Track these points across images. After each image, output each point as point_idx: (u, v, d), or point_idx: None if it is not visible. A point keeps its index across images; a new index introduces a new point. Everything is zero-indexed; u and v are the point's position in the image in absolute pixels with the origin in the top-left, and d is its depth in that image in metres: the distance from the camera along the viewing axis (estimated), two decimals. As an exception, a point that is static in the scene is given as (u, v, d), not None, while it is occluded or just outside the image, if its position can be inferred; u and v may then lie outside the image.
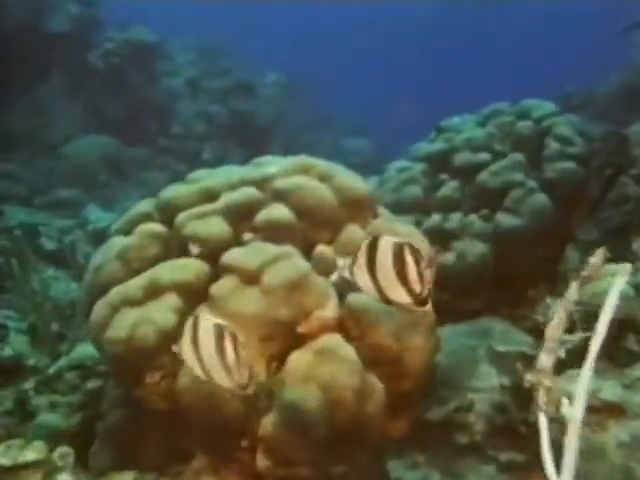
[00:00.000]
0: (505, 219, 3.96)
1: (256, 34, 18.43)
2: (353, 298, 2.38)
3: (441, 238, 3.97)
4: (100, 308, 2.46)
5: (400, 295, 1.52)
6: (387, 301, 1.57)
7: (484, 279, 3.95)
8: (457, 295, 3.93)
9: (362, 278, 1.61)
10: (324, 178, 2.68)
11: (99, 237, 9.75)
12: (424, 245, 2.57)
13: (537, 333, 3.89)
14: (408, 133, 18.97)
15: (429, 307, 1.52)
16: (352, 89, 21.06)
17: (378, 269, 1.55)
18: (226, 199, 2.59)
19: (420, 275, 1.49)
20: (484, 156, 4.13)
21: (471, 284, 3.93)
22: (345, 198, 2.63)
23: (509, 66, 27.56)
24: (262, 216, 2.53)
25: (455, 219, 4.00)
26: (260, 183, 2.67)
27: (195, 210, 2.61)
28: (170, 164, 11.41)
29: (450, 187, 4.12)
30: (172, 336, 2.32)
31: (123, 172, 11.07)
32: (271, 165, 2.77)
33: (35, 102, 11.22)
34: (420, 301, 1.52)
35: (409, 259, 1.49)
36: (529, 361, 4.11)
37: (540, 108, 4.27)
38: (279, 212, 2.53)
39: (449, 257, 3.93)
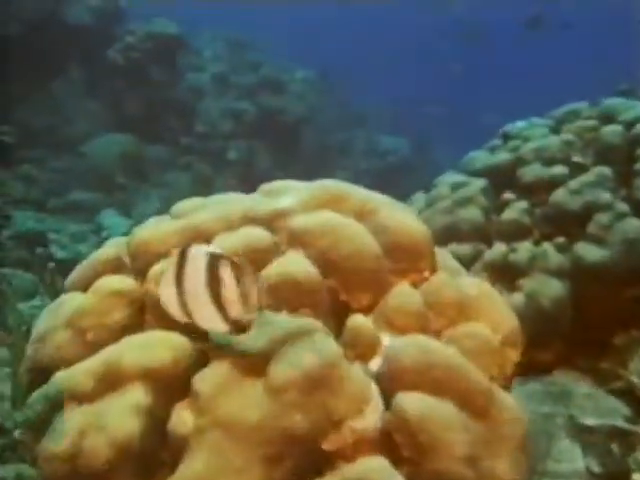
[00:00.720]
0: (588, 250, 3.13)
1: (287, 30, 17.64)
2: (406, 400, 1.59)
3: (506, 274, 3.16)
4: (35, 402, 1.70)
5: (213, 321, 1.26)
6: (195, 330, 1.33)
7: (560, 326, 3.13)
8: (525, 345, 3.10)
9: (168, 299, 1.29)
10: (362, 214, 1.88)
11: (113, 245, 9.17)
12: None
13: (632, 398, 3.06)
14: (442, 133, 18.06)
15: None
16: (384, 87, 20.20)
17: (187, 287, 1.25)
18: (222, 243, 1.81)
19: (241, 295, 1.26)
20: (560, 170, 3.30)
21: (544, 333, 3.11)
22: (393, 244, 1.82)
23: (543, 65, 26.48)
24: (272, 270, 1.75)
25: (524, 250, 3.18)
26: (270, 221, 1.88)
27: (179, 258, 1.83)
28: (193, 164, 10.73)
29: (517, 209, 3.30)
30: (134, 452, 1.57)
31: (143, 173, 10.41)
32: (286, 194, 1.98)
33: (52, 98, 10.61)
34: (240, 329, 1.31)
35: (227, 274, 1.25)
36: (626, 440, 3.04)
37: (631, 109, 3.41)
38: (296, 264, 1.75)
39: (516, 299, 3.11)
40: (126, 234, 2.21)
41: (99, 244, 7.82)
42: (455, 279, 1.83)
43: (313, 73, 12.98)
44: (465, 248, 3.20)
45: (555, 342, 3.14)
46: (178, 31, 10.93)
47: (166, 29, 10.61)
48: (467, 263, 3.23)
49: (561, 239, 3.18)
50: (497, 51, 23.57)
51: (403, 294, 1.74)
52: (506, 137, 3.65)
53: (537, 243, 3.23)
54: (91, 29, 10.58)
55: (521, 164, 3.41)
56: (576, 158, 3.30)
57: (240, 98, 12.00)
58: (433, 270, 1.86)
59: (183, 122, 11.10)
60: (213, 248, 1.31)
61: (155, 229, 1.92)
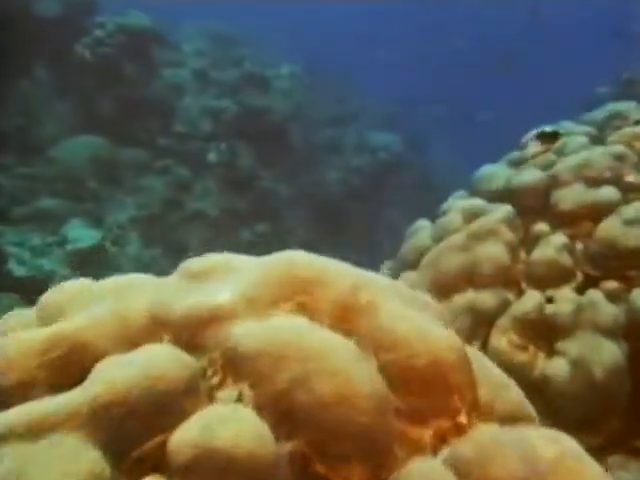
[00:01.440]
0: (649, 300, 2.38)
1: (275, 23, 16.78)
2: None
3: (542, 333, 2.40)
4: None
5: None
6: None
7: (616, 402, 2.38)
8: (569, 426, 2.35)
9: None
10: (349, 315, 1.11)
11: (80, 259, 8.38)
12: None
13: None
14: (437, 131, 17.23)
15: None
16: (378, 84, 19.39)
17: None
18: (98, 382, 1.03)
19: None
20: (609, 193, 2.55)
21: (595, 411, 2.36)
22: (404, 371, 1.06)
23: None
24: (189, 438, 0.98)
25: (565, 300, 2.42)
26: (193, 330, 1.11)
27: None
28: (171, 168, 9.93)
29: (553, 245, 2.54)
30: None
31: (116, 178, 9.60)
32: (225, 279, 1.20)
33: (18, 99, 9.78)
34: None
35: None
36: None
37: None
38: (238, 427, 0.99)
39: (557, 367, 2.35)
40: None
41: (63, 259, 6.90)
42: (513, 428, 1.06)
43: (300, 68, 12.18)
44: (486, 297, 2.44)
45: (609, 422, 2.39)
46: (152, 24, 10.11)
47: (139, 22, 9.81)
48: (489, 317, 2.48)
49: (613, 284, 2.43)
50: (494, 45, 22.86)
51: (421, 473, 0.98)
52: (542, 136, 2.85)
53: (581, 290, 2.47)
54: (60, 22, 9.76)
55: (556, 185, 2.64)
56: (630, 177, 2.54)
57: (222, 96, 11.20)
58: (472, 409, 1.09)
59: (160, 122, 10.30)
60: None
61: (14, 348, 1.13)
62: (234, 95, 11.12)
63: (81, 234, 8.15)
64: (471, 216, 2.68)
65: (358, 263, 1.33)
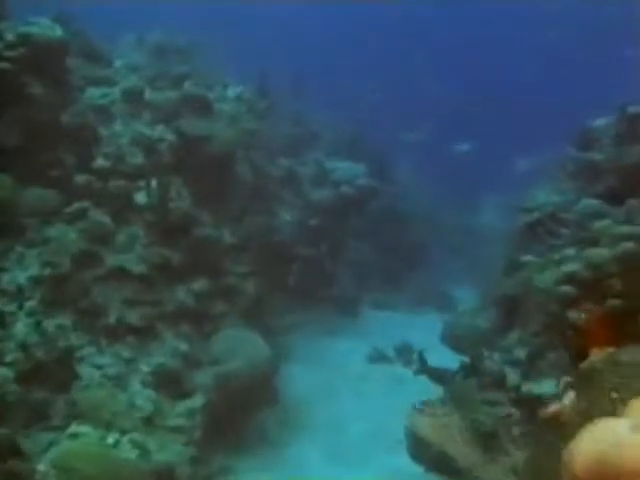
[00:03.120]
0: None
1: (227, 34, 14.90)
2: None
3: None
4: None
5: None
6: None
7: None
8: None
9: None
10: None
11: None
12: None
13: None
14: (407, 159, 15.40)
15: None
16: (342, 104, 17.65)
17: None
18: None
19: None
20: None
21: None
22: None
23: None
24: None
25: None
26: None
27: None
28: (88, 212, 8.03)
29: None
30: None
31: (18, 226, 7.68)
32: None
33: None
34: None
35: None
36: None
37: None
38: None
39: None
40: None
41: None
42: None
43: (250, 88, 10.40)
44: None
45: None
46: (66, 34, 8.21)
47: (47, 32, 7.90)
48: None
49: None
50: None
51: None
52: None
53: None
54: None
55: None
56: None
57: (156, 122, 9.36)
58: None
59: (77, 155, 8.40)
60: None
61: None
62: (171, 121, 9.29)
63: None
64: None
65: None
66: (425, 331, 12.42)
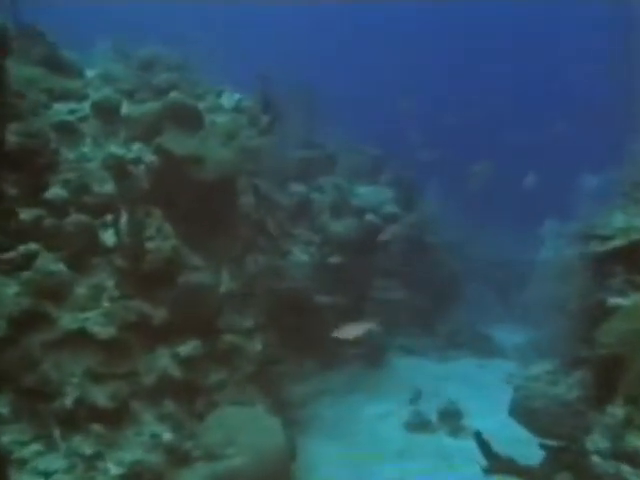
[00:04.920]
0: None
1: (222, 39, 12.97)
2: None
3: None
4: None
5: None
6: None
7: None
8: None
9: None
10: None
11: None
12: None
13: None
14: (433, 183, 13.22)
15: None
16: (360, 120, 15.73)
17: None
18: None
19: None
20: None
21: None
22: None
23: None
24: None
25: None
26: None
27: None
28: (36, 259, 6.05)
29: None
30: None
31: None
32: None
33: None
34: None
35: None
36: None
37: None
38: None
39: None
40: None
41: None
42: None
43: (251, 98, 8.42)
44: None
45: None
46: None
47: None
48: None
49: None
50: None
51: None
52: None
53: None
54: None
55: None
56: None
57: (132, 139, 7.42)
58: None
59: (27, 183, 6.45)
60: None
61: None
62: (151, 138, 7.35)
63: None
64: None
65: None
66: (464, 382, 10.54)
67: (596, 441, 5.47)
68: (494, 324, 14.34)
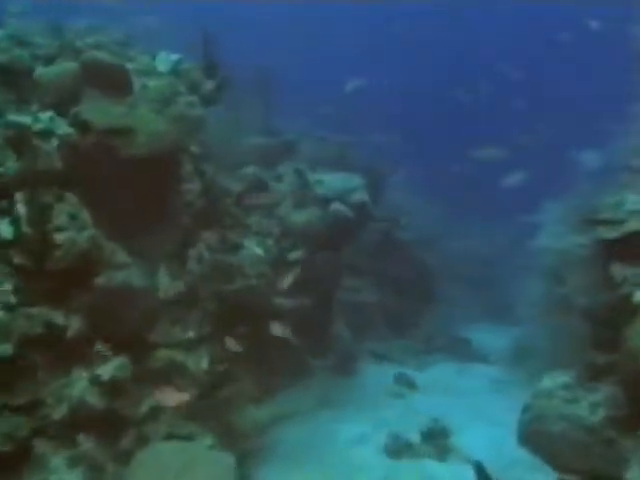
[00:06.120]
0: None
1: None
2: None
3: None
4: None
5: None
6: None
7: None
8: None
9: None
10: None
11: None
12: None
13: None
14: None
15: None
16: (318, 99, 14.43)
17: None
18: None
19: None
20: None
21: None
22: None
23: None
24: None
25: None
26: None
27: None
28: None
29: None
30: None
31: None
32: None
33: None
34: None
35: None
36: None
37: None
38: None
39: None
40: None
41: None
42: None
43: (193, 59, 6.95)
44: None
45: None
46: None
47: None
48: None
49: None
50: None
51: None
52: None
53: None
54: None
55: None
56: None
57: (43, 108, 5.93)
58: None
59: None
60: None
61: None
62: (66, 105, 5.87)
63: None
64: None
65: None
66: (445, 392, 9.41)
67: (637, 478, 4.23)
68: (472, 325, 13.21)
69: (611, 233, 6.75)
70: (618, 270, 6.15)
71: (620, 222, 6.73)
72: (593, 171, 7.81)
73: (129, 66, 6.06)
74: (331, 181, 8.76)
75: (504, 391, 9.54)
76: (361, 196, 8.60)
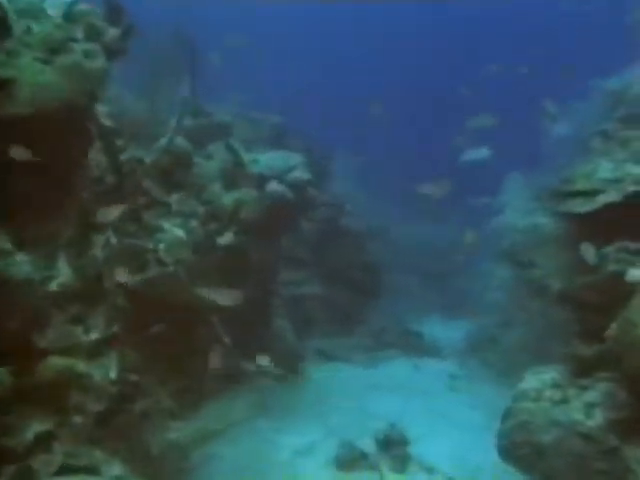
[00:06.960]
0: None
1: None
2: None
3: None
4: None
5: None
6: None
7: None
8: None
9: None
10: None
11: None
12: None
13: None
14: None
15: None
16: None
17: None
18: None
19: None
20: None
21: None
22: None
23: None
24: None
25: None
26: None
27: None
28: None
29: None
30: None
31: None
32: None
33: None
34: None
35: None
36: None
37: None
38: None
39: None
40: None
41: None
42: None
43: (93, 3, 5.77)
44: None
45: None
46: None
47: None
48: None
49: None
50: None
51: None
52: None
53: None
54: None
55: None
56: None
57: None
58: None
59: None
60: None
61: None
62: None
63: None
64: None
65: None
66: (399, 391, 8.60)
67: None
68: (423, 318, 12.47)
69: (584, 206, 5.98)
70: (591, 248, 5.31)
71: (593, 193, 5.95)
72: (562, 139, 7.06)
73: (6, 4, 4.85)
74: (268, 159, 7.73)
75: (463, 388, 8.83)
76: (301, 174, 7.59)
